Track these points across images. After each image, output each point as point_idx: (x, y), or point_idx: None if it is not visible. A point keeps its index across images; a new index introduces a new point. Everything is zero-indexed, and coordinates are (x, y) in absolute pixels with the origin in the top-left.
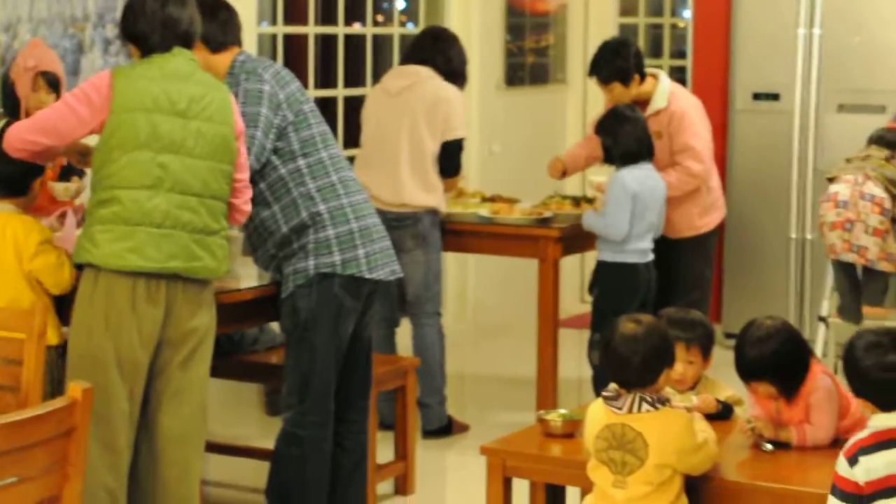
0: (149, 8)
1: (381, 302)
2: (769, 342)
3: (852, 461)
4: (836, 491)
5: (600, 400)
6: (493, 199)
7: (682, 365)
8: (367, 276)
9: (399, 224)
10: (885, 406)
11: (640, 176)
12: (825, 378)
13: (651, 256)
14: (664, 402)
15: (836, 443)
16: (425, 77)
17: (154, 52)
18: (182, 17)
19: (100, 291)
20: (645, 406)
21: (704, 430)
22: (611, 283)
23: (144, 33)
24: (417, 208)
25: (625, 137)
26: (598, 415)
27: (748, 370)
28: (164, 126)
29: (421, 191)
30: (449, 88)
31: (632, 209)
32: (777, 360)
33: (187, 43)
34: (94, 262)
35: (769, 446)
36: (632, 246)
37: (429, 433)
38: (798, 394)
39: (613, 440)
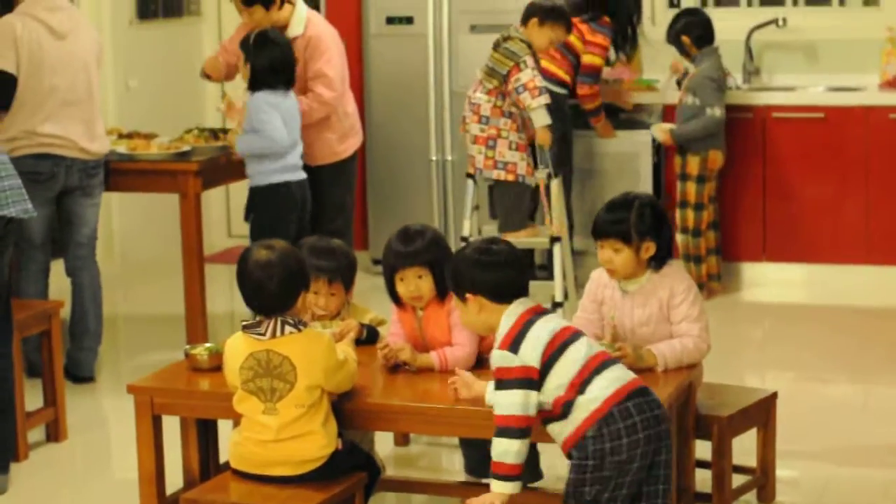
0: None
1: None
2: (427, 232)
3: (513, 349)
4: (511, 383)
5: (240, 332)
6: (130, 136)
7: (325, 298)
8: None
9: (96, 171)
10: (496, 298)
11: (277, 100)
12: None
13: (303, 175)
14: (305, 324)
15: (481, 363)
16: (81, 16)
17: None
18: None
19: None
20: (288, 328)
21: (344, 350)
22: (266, 207)
23: None
24: (105, 154)
25: (269, 62)
26: (239, 345)
27: (412, 253)
28: None
29: (106, 136)
30: (95, 32)
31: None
32: (436, 248)
33: None
34: None
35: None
36: (281, 163)
37: (81, 379)
38: (441, 309)
39: (259, 368)
